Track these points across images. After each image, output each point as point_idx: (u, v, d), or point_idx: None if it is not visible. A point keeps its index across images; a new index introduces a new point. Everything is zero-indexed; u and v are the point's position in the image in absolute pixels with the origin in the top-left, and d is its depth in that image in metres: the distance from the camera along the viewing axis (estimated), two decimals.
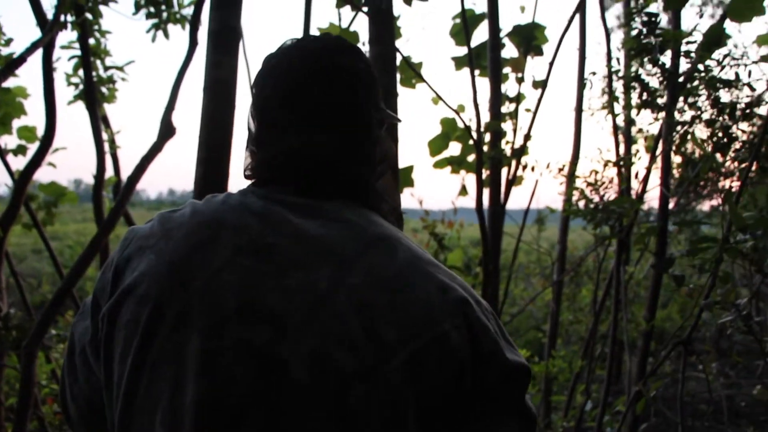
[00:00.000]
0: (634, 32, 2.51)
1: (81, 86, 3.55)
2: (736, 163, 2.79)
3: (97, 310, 0.98)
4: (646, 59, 2.52)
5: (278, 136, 1.01)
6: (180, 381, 0.87)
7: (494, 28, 3.42)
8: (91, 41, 3.43)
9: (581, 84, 4.23)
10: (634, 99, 2.72)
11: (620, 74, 2.90)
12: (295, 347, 0.86)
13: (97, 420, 1.03)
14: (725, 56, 2.50)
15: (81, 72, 3.48)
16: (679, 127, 2.71)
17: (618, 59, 3.75)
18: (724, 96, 2.62)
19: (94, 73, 3.44)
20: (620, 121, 3.77)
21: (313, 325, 0.86)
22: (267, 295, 0.88)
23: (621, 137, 3.81)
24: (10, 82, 3.58)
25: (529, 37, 3.82)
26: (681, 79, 2.63)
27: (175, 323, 0.89)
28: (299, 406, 0.84)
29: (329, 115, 1.00)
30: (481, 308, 0.95)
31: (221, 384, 0.86)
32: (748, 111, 2.56)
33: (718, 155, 3.01)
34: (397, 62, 1.81)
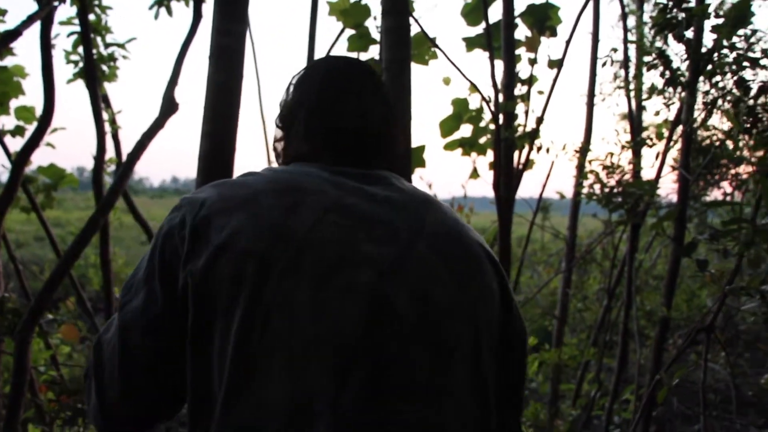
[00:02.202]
0: (659, 6, 2.39)
1: (81, 64, 3.45)
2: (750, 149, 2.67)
3: (167, 274, 1.01)
4: (669, 35, 2.40)
5: (325, 116, 1.14)
6: (295, 326, 0.95)
7: (509, 6, 3.32)
8: (92, 17, 3.32)
9: (594, 66, 4.13)
10: (655, 78, 2.61)
11: (643, 49, 2.79)
12: (397, 286, 0.99)
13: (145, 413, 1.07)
14: (753, 33, 2.38)
15: (80, 49, 3.37)
16: (701, 106, 2.60)
17: (637, 37, 3.64)
18: (749, 76, 2.51)
19: (94, 51, 3.33)
20: (633, 104, 3.68)
21: (407, 267, 1.01)
22: (361, 245, 1.01)
23: (634, 120, 3.72)
24: (7, 61, 3.48)
25: (543, 18, 3.72)
26: (705, 58, 2.52)
27: (283, 275, 0.97)
28: (405, 339, 0.98)
29: (373, 100, 1.17)
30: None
31: (338, 323, 0.96)
32: None
33: (729, 142, 2.91)
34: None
